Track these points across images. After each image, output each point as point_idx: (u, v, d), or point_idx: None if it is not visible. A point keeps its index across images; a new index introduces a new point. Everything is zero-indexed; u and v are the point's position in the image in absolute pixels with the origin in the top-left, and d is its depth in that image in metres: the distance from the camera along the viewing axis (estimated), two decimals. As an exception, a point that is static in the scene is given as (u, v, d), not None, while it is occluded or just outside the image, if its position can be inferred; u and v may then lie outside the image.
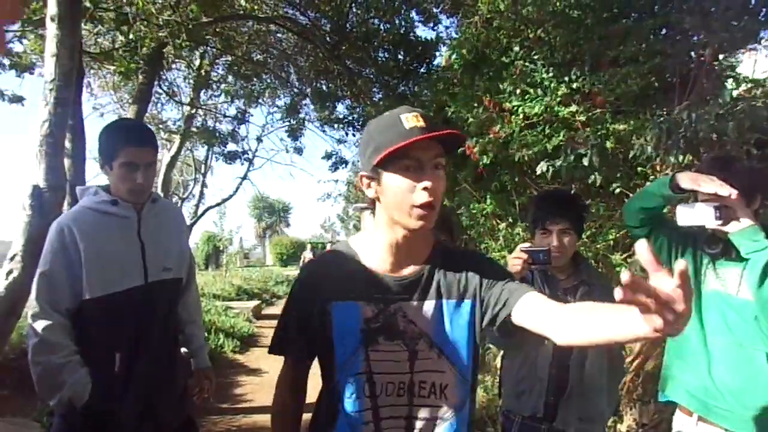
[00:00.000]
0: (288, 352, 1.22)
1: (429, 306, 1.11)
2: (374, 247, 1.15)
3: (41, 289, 1.61)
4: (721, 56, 3.59)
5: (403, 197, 1.03)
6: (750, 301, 1.55)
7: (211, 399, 2.09)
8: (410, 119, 1.02)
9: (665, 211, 1.91)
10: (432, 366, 1.10)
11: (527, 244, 1.62)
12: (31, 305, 1.62)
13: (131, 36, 5.43)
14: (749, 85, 3.48)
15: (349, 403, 1.09)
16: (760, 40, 3.68)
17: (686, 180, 1.54)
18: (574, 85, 3.75)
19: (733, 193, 1.45)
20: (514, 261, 1.56)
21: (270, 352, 1.22)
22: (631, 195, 3.53)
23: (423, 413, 1.09)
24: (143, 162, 1.67)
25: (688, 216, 1.59)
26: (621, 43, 3.79)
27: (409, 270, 1.13)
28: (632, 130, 3.31)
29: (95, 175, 8.80)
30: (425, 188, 1.01)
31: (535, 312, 1.02)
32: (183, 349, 2.00)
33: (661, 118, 3.20)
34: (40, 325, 1.58)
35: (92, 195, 1.72)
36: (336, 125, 8.61)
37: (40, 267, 1.64)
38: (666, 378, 1.81)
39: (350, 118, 8.20)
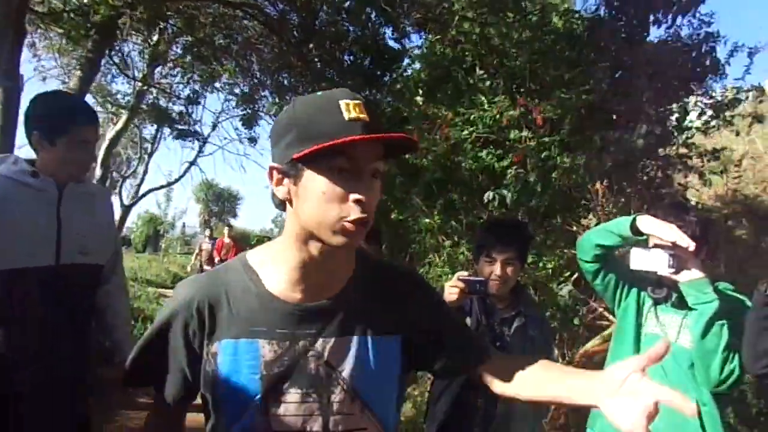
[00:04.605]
0: (151, 383, 0.93)
1: (349, 342, 0.87)
2: (280, 267, 0.88)
3: None
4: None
5: (328, 207, 0.78)
6: (687, 349, 1.61)
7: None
8: (352, 108, 0.78)
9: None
10: (353, 423, 0.86)
11: (465, 273, 1.64)
12: None
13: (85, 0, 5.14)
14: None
15: None
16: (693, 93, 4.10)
17: (647, 224, 1.58)
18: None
19: (692, 245, 1.50)
20: (451, 289, 1.57)
21: (125, 384, 0.95)
22: (572, 227, 3.67)
23: None
24: (95, 139, 1.73)
25: (641, 260, 1.63)
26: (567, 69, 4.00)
27: (324, 297, 0.88)
28: (574, 161, 3.49)
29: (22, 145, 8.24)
30: (358, 200, 0.78)
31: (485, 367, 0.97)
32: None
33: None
34: None
35: (11, 164, 1.63)
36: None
37: None
38: (596, 415, 1.81)
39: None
